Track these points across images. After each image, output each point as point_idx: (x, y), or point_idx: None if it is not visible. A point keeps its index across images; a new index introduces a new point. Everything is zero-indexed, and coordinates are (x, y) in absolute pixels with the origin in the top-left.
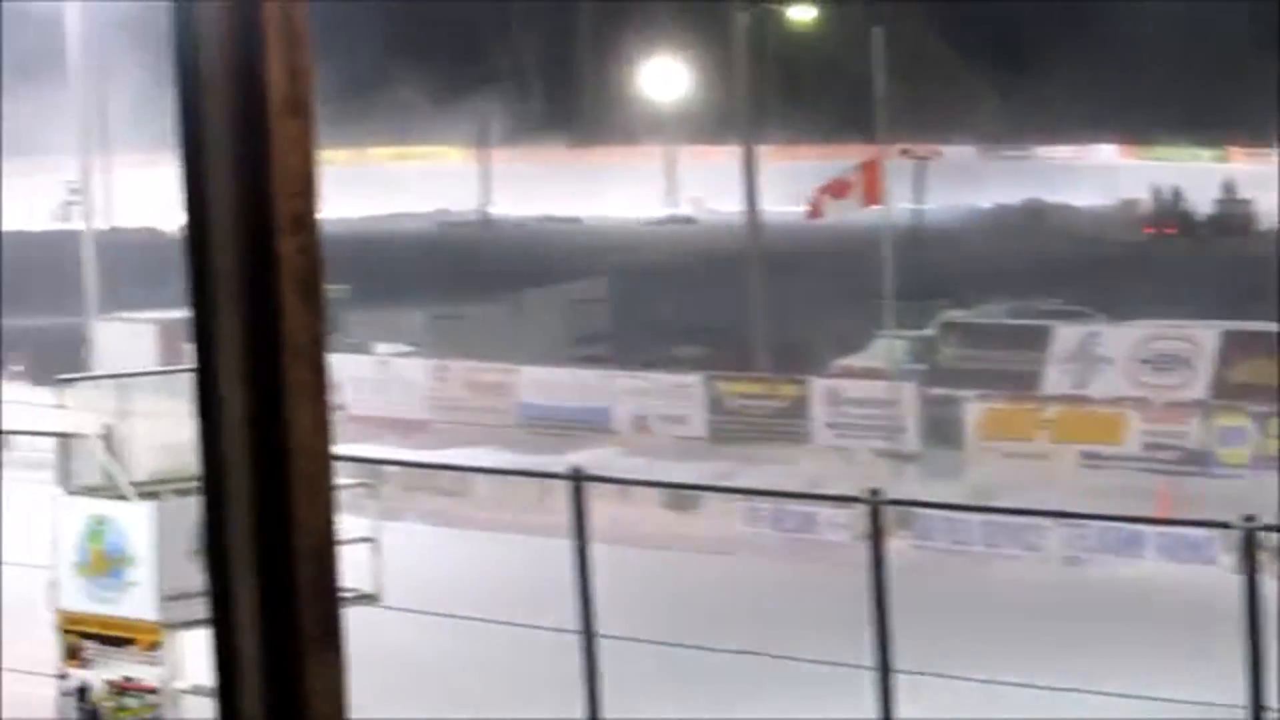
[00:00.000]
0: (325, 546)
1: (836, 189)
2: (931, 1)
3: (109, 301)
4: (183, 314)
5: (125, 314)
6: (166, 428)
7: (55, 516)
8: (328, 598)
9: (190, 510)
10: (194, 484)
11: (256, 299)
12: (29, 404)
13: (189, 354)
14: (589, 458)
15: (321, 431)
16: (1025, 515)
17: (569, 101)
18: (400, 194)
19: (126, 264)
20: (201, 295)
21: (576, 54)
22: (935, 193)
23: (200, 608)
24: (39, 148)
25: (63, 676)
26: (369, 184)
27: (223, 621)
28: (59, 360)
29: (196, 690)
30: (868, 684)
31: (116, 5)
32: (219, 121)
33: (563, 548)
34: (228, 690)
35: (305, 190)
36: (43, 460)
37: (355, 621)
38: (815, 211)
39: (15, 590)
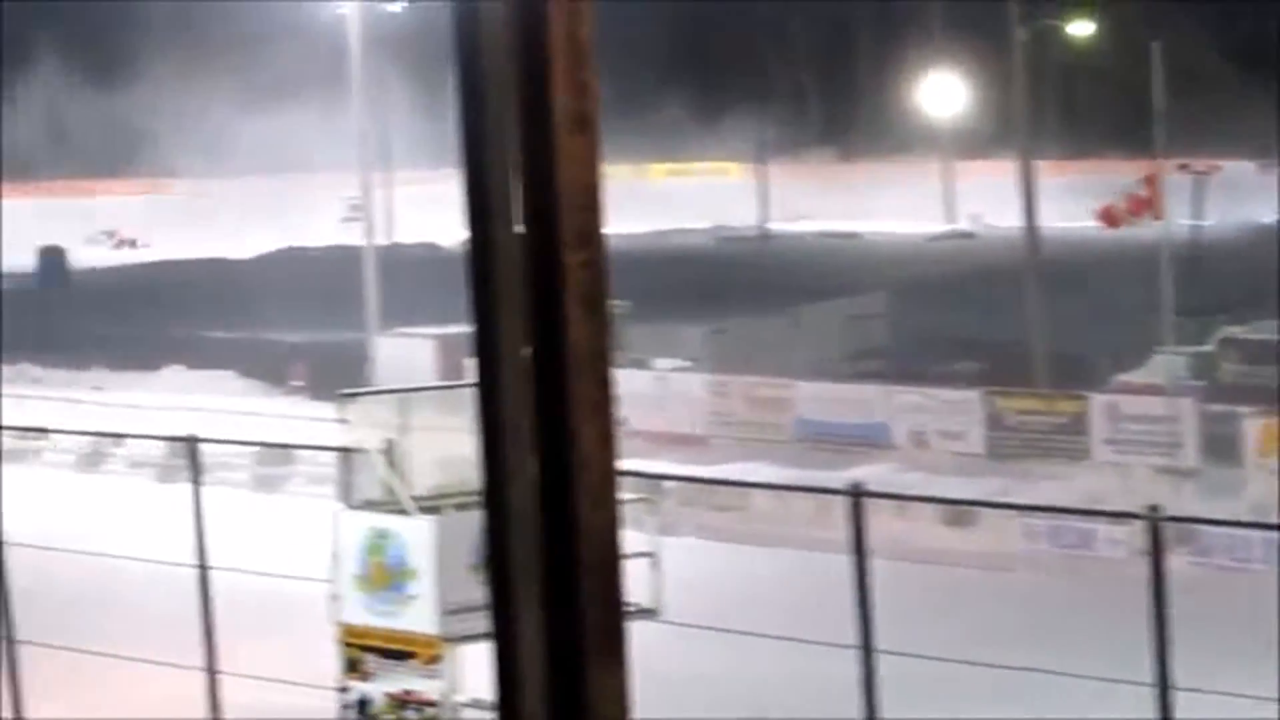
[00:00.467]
0: (610, 560)
1: (1135, 205)
2: (1210, 4)
3: (389, 316)
4: (462, 329)
5: (405, 329)
6: (447, 442)
7: (336, 530)
8: (612, 610)
9: (471, 524)
10: (475, 498)
11: (541, 314)
12: (310, 419)
13: (470, 369)
14: (867, 473)
15: (607, 446)
16: None
17: (845, 116)
18: (678, 209)
19: (406, 279)
20: (484, 310)
21: (853, 68)
22: (1213, 207)
23: (481, 621)
24: (319, 163)
25: (344, 689)
26: (648, 200)
27: (504, 634)
28: (339, 375)
29: (476, 703)
30: (1146, 700)
31: (395, 18)
32: (502, 137)
33: (841, 563)
34: (509, 702)
35: (590, 205)
36: (323, 475)
37: (634, 636)
38: (1113, 222)
39: (296, 602)
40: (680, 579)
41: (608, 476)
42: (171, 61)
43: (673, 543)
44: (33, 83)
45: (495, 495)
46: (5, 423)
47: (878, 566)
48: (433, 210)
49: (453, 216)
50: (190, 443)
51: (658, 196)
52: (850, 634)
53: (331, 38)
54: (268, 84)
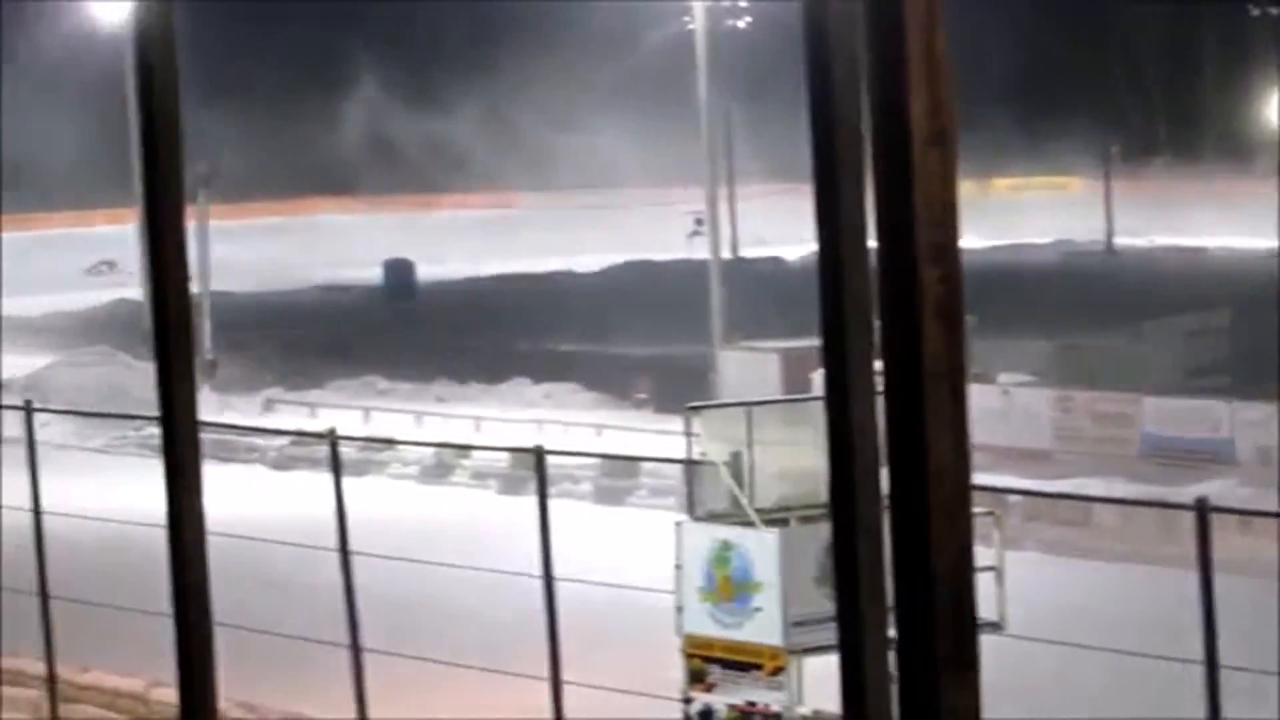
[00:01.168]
0: (962, 573)
1: None
2: None
3: (733, 330)
4: (806, 343)
5: (749, 343)
6: (792, 455)
7: (681, 542)
8: (964, 624)
9: (815, 537)
10: (819, 511)
11: (896, 327)
12: (654, 431)
13: (817, 382)
14: (1212, 488)
15: (961, 459)
16: None
17: (1188, 129)
18: (1020, 223)
19: (751, 293)
20: (835, 324)
21: (1196, 81)
22: None
23: (825, 633)
24: (667, 177)
25: (687, 700)
26: (990, 214)
27: (852, 647)
28: (683, 388)
29: (818, 716)
30: None
31: (744, 33)
32: (855, 150)
33: (1186, 579)
34: (856, 715)
35: (946, 220)
36: (666, 488)
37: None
38: None
39: (639, 613)
40: (1023, 593)
41: (961, 490)
42: (515, 77)
43: (1016, 557)
44: (359, 98)
45: (844, 508)
46: (352, 434)
47: (1222, 582)
48: (777, 223)
49: (796, 230)
50: (536, 454)
51: (1000, 211)
52: (1195, 649)
53: (677, 51)
54: (612, 98)
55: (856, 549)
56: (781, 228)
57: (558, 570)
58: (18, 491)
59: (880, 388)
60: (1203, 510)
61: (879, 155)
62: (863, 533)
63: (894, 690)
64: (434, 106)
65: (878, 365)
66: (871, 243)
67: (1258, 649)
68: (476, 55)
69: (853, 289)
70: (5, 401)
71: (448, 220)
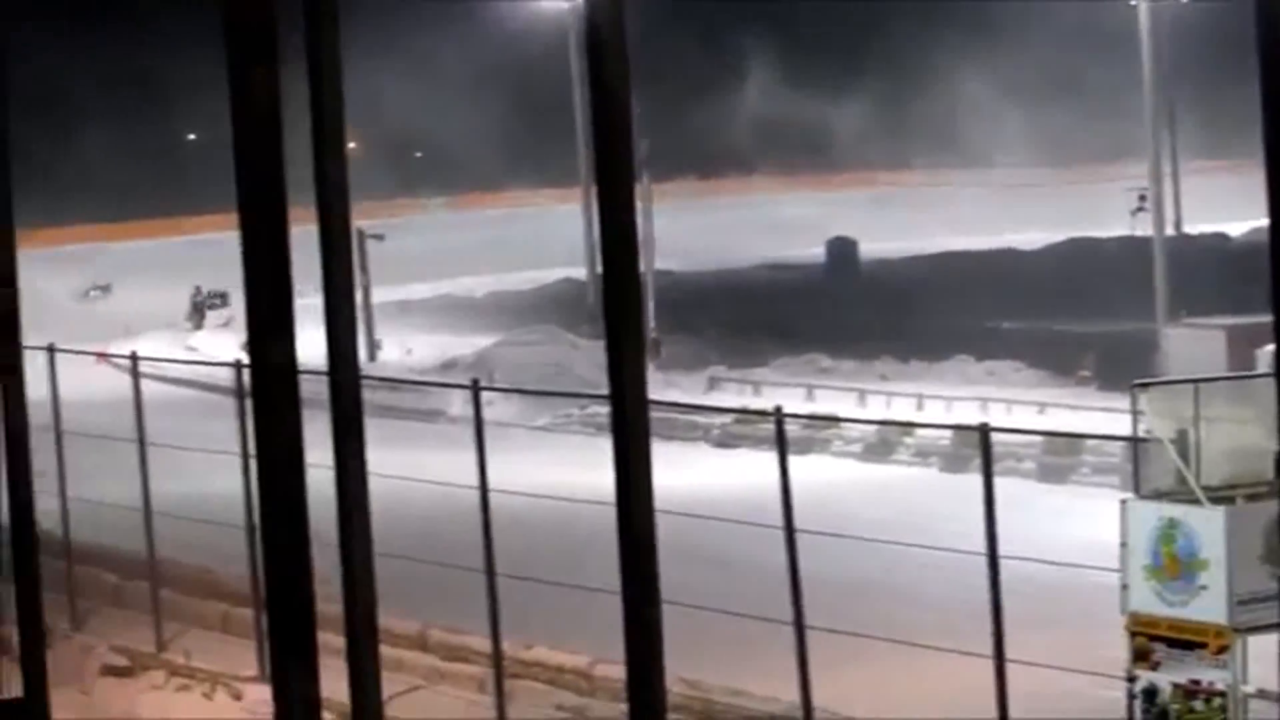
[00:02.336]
0: None
1: None
2: None
3: (1177, 307)
4: (1252, 319)
5: (1193, 319)
6: (1239, 433)
7: (1126, 520)
8: None
9: (1262, 515)
10: (1267, 489)
11: None
12: (1097, 409)
13: (1262, 359)
14: None
15: None
16: None
17: None
18: None
19: (1195, 269)
20: None
21: None
22: None
23: (1271, 612)
24: (1106, 154)
25: (1132, 678)
26: None
27: None
28: (1126, 366)
29: (1263, 694)
30: None
31: (1184, 6)
32: None
33: None
34: None
35: None
36: (1109, 465)
37: None
38: None
39: (1078, 590)
40: None
41: None
42: (948, 56)
43: None
44: (769, 85)
45: None
46: (795, 412)
47: None
48: (1221, 200)
49: (1242, 207)
50: (981, 432)
51: None
52: None
53: (1113, 26)
54: (1043, 75)
55: None
56: (1225, 204)
57: (1002, 548)
58: (465, 469)
59: None
60: None
61: None
62: None
63: None
64: (857, 89)
65: None
66: None
67: None
68: (905, 36)
69: None
70: (452, 380)
71: (880, 197)
